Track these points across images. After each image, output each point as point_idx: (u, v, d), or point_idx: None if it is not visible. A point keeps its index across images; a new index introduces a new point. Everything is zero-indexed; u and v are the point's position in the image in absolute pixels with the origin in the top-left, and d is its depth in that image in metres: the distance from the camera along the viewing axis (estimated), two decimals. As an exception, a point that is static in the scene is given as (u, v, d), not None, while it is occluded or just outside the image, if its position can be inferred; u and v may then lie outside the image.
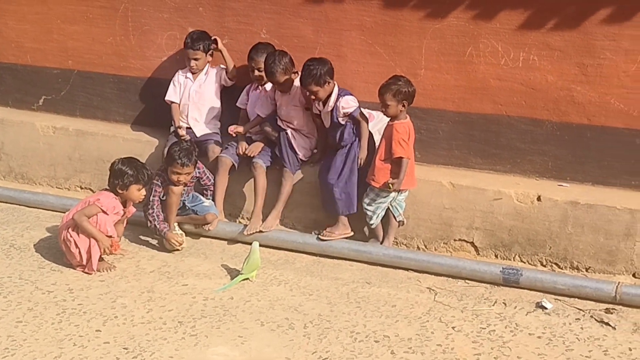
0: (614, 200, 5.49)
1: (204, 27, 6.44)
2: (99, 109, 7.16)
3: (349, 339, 4.58)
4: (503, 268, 5.32)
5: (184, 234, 5.93)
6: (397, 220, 5.78)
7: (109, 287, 5.20)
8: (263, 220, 5.96)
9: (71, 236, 5.38)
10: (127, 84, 6.98)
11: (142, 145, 6.70)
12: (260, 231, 5.90)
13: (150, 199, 5.78)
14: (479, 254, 5.79)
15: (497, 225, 5.71)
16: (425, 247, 5.90)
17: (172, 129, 6.52)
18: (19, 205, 6.64)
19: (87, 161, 6.93)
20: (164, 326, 4.69)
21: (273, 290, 5.22)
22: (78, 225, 5.36)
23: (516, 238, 5.67)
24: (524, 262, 5.66)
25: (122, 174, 5.45)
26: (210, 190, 6.14)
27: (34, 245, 5.84)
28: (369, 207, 5.71)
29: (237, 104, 6.40)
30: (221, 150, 6.26)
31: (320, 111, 5.90)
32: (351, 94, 5.82)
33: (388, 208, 5.74)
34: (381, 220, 5.78)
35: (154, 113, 6.83)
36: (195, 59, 6.39)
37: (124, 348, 4.42)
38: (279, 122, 6.11)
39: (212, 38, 6.42)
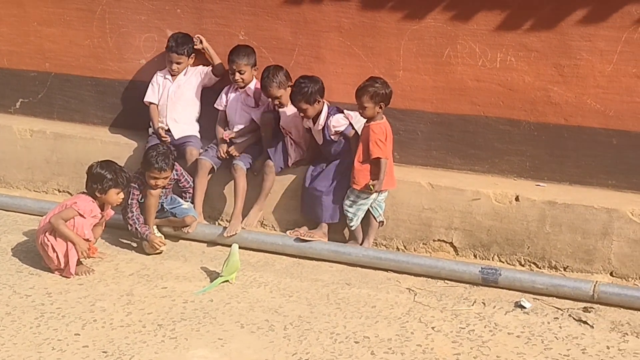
0: (591, 199, 5.53)
1: (182, 29, 6.41)
2: (76, 112, 7.12)
3: (329, 340, 4.58)
4: (482, 268, 5.35)
5: (162, 236, 5.91)
6: (378, 220, 5.80)
7: (88, 291, 5.18)
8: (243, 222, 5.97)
9: (48, 240, 5.35)
10: (105, 86, 6.95)
11: (121, 147, 6.67)
12: (243, 228, 5.90)
13: (129, 202, 5.75)
14: (458, 254, 5.81)
15: (476, 226, 5.73)
16: (405, 247, 5.92)
17: (150, 130, 6.50)
18: (-4, 209, 6.61)
19: (65, 164, 6.89)
20: (143, 329, 4.67)
21: (253, 292, 5.21)
22: (55, 229, 5.33)
23: (495, 238, 5.70)
24: (503, 262, 5.69)
25: (100, 178, 5.42)
26: (189, 193, 6.12)
27: (12, 249, 5.80)
28: (350, 209, 5.72)
29: (215, 106, 6.38)
30: (200, 153, 6.25)
31: (310, 128, 5.92)
32: (341, 111, 5.84)
33: (368, 209, 5.76)
34: (361, 222, 5.79)
35: (133, 115, 6.80)
36: (179, 63, 6.37)
37: (103, 352, 4.40)
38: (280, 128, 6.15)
39: (196, 36, 6.40)
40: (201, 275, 5.47)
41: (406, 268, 5.52)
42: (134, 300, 5.05)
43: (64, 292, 5.15)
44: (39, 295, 5.09)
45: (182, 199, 6.08)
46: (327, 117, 5.81)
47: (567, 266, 5.55)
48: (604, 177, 5.72)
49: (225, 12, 6.37)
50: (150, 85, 6.51)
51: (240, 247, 5.42)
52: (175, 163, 5.87)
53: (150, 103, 6.49)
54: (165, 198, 5.96)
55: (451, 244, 5.82)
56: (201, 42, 6.39)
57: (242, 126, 6.25)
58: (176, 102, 6.44)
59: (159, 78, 6.50)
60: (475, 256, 5.77)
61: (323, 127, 5.83)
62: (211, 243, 5.98)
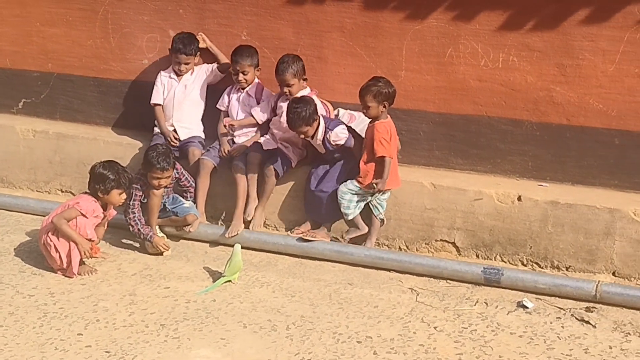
0: (593, 199, 5.53)
1: (185, 29, 6.42)
2: (79, 112, 7.13)
3: (332, 340, 4.58)
4: (484, 268, 5.35)
5: (165, 236, 5.92)
6: (379, 218, 5.80)
7: (91, 291, 5.18)
8: (245, 222, 5.98)
9: (51, 240, 5.36)
10: (108, 86, 6.96)
11: (123, 148, 6.68)
12: (248, 227, 5.92)
13: (131, 203, 5.76)
14: (460, 254, 5.81)
15: (478, 226, 5.73)
16: (407, 247, 5.92)
17: (156, 129, 6.49)
18: (-1, 209, 6.62)
19: (68, 164, 6.89)
20: (146, 329, 4.68)
21: (255, 292, 5.22)
22: (57, 229, 5.34)
23: (497, 238, 5.70)
24: (505, 262, 5.69)
25: (103, 178, 5.43)
26: (190, 192, 6.13)
27: (15, 249, 5.81)
28: (344, 196, 5.68)
29: (217, 106, 6.39)
30: (202, 153, 6.25)
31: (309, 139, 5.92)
32: (340, 123, 5.84)
33: (369, 207, 5.76)
34: (364, 222, 5.80)
35: (135, 116, 6.81)
36: (187, 64, 6.35)
37: (106, 351, 4.40)
38: (271, 134, 6.14)
39: (199, 34, 6.40)
40: (204, 275, 5.48)
41: (408, 268, 5.52)
42: (137, 300, 5.05)
43: (67, 292, 5.15)
44: (41, 295, 5.10)
45: (183, 198, 6.08)
46: (326, 131, 5.80)
47: (570, 266, 5.55)
48: (606, 177, 5.72)
49: (227, 12, 6.38)
50: (155, 86, 6.49)
51: (242, 247, 5.43)
52: (176, 162, 5.87)
53: (157, 104, 6.47)
54: (167, 197, 5.96)
55: (453, 243, 5.82)
56: (204, 40, 6.40)
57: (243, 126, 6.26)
58: (182, 102, 6.43)
59: (163, 78, 6.47)
60: (477, 256, 5.77)
61: (323, 140, 5.83)
62: (214, 243, 5.98)
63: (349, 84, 6.01)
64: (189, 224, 5.94)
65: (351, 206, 5.71)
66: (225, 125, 6.22)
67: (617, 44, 5.44)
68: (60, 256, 5.34)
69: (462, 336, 4.65)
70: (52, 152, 6.95)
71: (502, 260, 5.70)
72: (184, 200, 6.04)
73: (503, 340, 4.61)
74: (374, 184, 5.58)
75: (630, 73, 5.47)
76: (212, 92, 6.46)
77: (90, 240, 5.38)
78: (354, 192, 5.70)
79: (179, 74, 6.41)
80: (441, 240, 5.84)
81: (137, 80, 6.79)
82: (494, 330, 4.74)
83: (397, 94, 5.67)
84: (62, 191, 6.95)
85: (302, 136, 5.80)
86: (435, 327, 4.76)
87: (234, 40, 6.31)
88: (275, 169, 5.98)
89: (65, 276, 5.37)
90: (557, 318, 4.90)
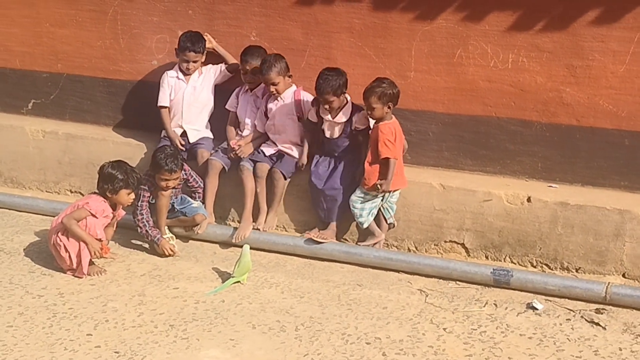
0: (603, 200, 5.52)
1: (194, 30, 6.42)
2: (88, 113, 7.15)
3: (341, 341, 4.58)
4: (494, 269, 5.33)
5: (174, 237, 5.93)
6: (388, 222, 5.80)
7: (100, 291, 5.19)
8: (253, 222, 5.99)
9: (61, 240, 5.37)
10: (117, 87, 6.97)
11: (132, 148, 6.69)
12: (264, 230, 5.94)
13: (139, 204, 5.76)
14: (469, 255, 5.80)
15: (488, 227, 5.72)
16: (416, 248, 5.91)
17: (163, 133, 6.48)
18: (9, 209, 6.62)
19: (77, 165, 6.91)
20: (155, 330, 4.68)
21: (264, 293, 5.22)
22: (67, 229, 5.35)
23: (506, 239, 5.69)
24: (515, 263, 5.68)
25: (112, 178, 5.44)
26: (199, 193, 6.13)
27: (24, 249, 5.83)
28: (356, 206, 5.70)
29: (227, 107, 6.38)
30: (211, 154, 6.25)
31: (322, 120, 5.87)
32: (361, 109, 5.81)
33: (380, 210, 5.76)
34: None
35: (144, 116, 6.81)
36: (195, 61, 6.34)
37: (115, 352, 4.41)
38: (270, 141, 6.15)
39: (205, 34, 6.41)
40: (213, 275, 5.48)
41: (417, 269, 5.51)
42: (146, 300, 5.06)
43: (76, 292, 5.17)
44: (51, 295, 5.11)
45: (191, 199, 6.09)
46: (353, 112, 5.79)
47: (579, 267, 5.53)
48: (616, 178, 5.70)
49: (236, 13, 6.38)
50: (161, 87, 6.45)
51: (251, 248, 5.43)
52: (184, 163, 5.88)
53: (163, 107, 6.45)
54: (176, 198, 5.97)
55: (463, 245, 5.81)
56: (210, 41, 6.40)
57: (252, 127, 6.25)
58: (192, 104, 6.41)
59: (170, 79, 6.44)
60: (486, 257, 5.76)
61: (346, 121, 5.81)
62: (222, 244, 5.99)
63: (358, 84, 5.99)
64: (198, 224, 5.95)
65: (364, 214, 5.70)
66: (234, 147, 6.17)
67: (627, 44, 5.42)
68: (70, 256, 5.35)
69: (471, 337, 4.64)
70: (62, 152, 6.97)
71: (512, 262, 5.69)
72: (192, 201, 6.04)
73: (512, 341, 4.60)
74: (378, 185, 5.57)
75: (640, 74, 5.46)
76: (219, 92, 6.46)
77: (99, 240, 5.39)
78: (362, 199, 5.69)
79: (186, 74, 6.39)
80: (450, 241, 5.83)
81: (147, 81, 6.80)
82: (504, 331, 4.73)
83: (406, 94, 5.66)
84: (71, 191, 6.97)
85: (327, 106, 5.75)
86: (444, 329, 4.75)
87: (243, 41, 6.31)
88: (281, 172, 5.98)
89: (75, 276, 5.38)
90: (566, 320, 4.89)
